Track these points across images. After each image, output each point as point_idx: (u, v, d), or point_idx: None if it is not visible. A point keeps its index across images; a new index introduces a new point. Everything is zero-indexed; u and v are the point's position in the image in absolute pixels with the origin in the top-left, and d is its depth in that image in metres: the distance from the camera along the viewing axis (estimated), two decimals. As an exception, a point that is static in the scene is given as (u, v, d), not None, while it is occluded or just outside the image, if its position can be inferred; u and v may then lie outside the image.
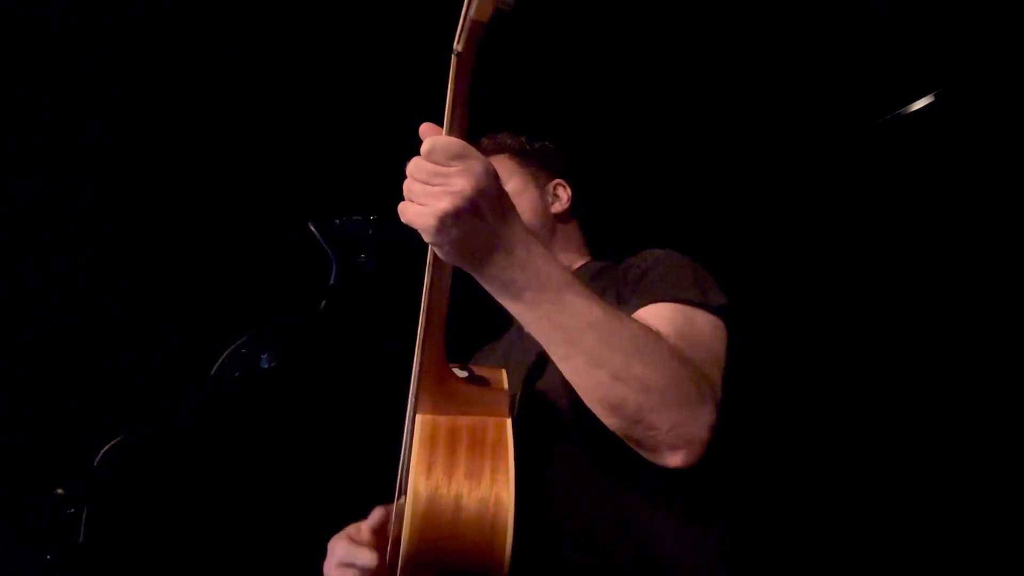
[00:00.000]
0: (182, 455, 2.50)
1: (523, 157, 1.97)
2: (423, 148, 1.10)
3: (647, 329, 1.20)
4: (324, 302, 1.51)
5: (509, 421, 1.29)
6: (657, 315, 1.37)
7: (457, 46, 1.14)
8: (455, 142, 1.12)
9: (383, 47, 2.87)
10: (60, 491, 1.32)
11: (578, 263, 1.89)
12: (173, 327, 2.73)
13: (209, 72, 2.76)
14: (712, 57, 2.53)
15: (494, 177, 1.12)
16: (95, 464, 1.32)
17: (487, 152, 1.99)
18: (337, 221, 1.55)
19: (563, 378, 1.33)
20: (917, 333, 2.66)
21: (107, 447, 1.33)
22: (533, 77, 2.73)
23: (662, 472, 1.22)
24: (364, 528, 1.58)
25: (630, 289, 1.51)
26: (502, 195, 1.14)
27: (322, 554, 1.73)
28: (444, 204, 1.07)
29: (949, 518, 2.49)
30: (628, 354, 1.15)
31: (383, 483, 1.96)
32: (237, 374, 1.44)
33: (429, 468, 1.21)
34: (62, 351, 2.67)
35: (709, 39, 2.49)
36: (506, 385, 1.41)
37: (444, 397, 1.30)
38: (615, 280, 1.61)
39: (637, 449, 1.22)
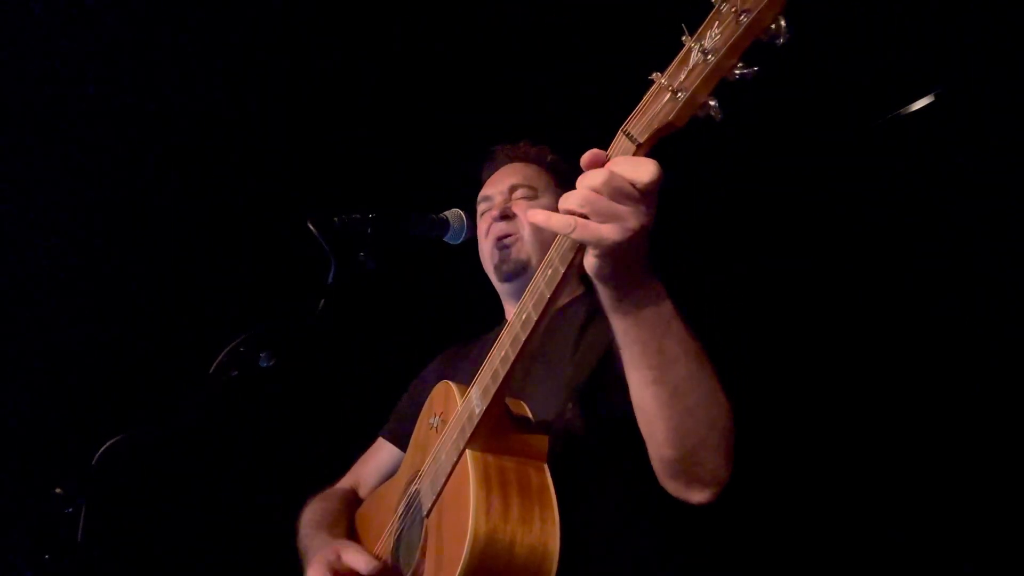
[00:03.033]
0: (180, 454, 2.50)
1: (559, 177, 1.94)
2: (617, 164, 1.07)
3: (716, 378, 1.24)
4: (323, 301, 1.51)
5: (547, 467, 1.37)
6: None
7: (640, 138, 1.09)
8: (647, 163, 1.08)
9: (383, 46, 2.87)
10: (58, 490, 1.32)
11: (576, 292, 1.87)
12: (171, 326, 2.73)
13: (209, 72, 2.77)
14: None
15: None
16: (93, 463, 1.32)
17: (528, 159, 1.99)
18: (336, 220, 1.55)
19: (571, 413, 1.47)
20: (916, 333, 2.65)
21: (105, 446, 1.33)
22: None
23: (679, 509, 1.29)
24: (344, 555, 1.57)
25: None
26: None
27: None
28: (633, 222, 1.07)
29: (949, 521, 2.49)
30: (706, 391, 1.21)
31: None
32: (235, 373, 1.45)
33: (488, 509, 1.26)
34: (61, 351, 2.67)
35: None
36: (535, 418, 1.46)
37: (495, 435, 1.36)
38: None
39: (668, 481, 1.28)
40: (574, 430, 1.50)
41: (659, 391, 1.20)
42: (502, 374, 1.31)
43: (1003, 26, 2.51)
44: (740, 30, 0.97)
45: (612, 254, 1.10)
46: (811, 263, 2.76)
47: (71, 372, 2.65)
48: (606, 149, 1.13)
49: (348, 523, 1.84)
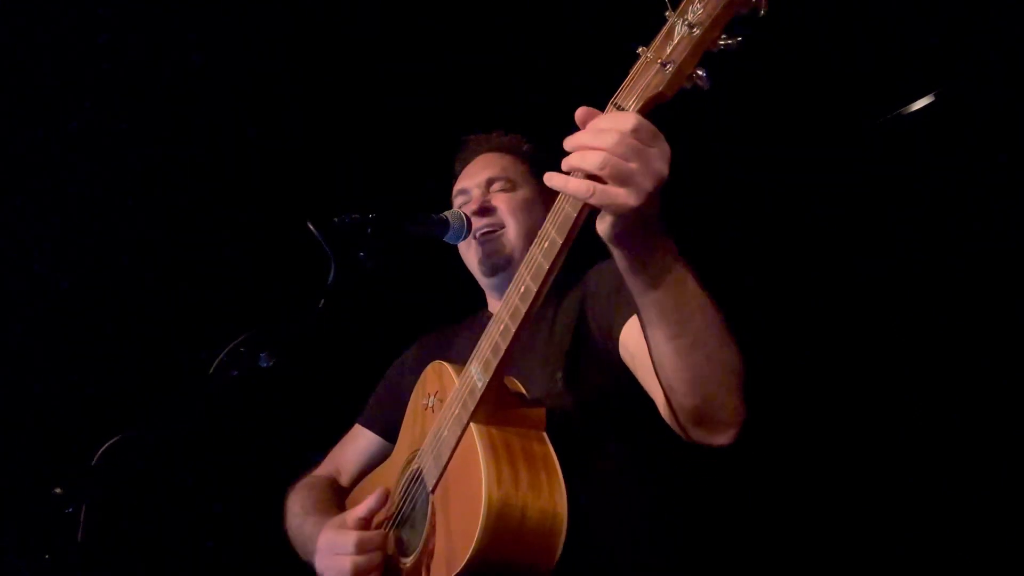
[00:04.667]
0: (180, 454, 2.50)
1: (534, 167, 1.94)
2: (626, 124, 1.06)
3: (726, 325, 1.27)
4: (322, 301, 1.51)
5: (547, 436, 1.42)
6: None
7: (631, 110, 1.09)
8: (652, 126, 1.09)
9: (383, 46, 2.87)
10: (58, 490, 1.32)
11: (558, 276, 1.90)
12: (171, 326, 2.73)
13: (209, 71, 2.77)
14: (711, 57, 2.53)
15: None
16: (93, 463, 1.32)
17: (502, 149, 1.98)
18: (336, 220, 1.55)
19: (561, 385, 1.51)
20: (916, 334, 2.65)
21: (105, 446, 1.33)
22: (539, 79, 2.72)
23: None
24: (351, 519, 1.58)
25: (608, 302, 1.58)
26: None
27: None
28: (650, 184, 1.06)
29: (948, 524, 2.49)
30: (721, 336, 1.23)
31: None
32: (235, 373, 1.45)
33: (499, 477, 1.31)
34: (60, 351, 2.67)
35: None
36: (528, 395, 1.50)
37: (496, 409, 1.40)
38: (584, 293, 1.68)
39: (692, 428, 1.31)
40: (566, 400, 1.55)
41: (679, 345, 1.22)
42: (503, 347, 1.33)
43: (1003, 26, 2.51)
44: (722, 4, 1.01)
45: (630, 217, 1.09)
46: (810, 263, 2.76)
47: (71, 372, 2.65)
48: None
49: (338, 510, 1.83)
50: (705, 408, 1.27)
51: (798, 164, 2.78)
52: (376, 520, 1.58)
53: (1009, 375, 2.50)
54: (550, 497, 1.32)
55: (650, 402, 1.42)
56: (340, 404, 2.28)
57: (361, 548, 1.50)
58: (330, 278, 1.52)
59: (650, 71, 1.08)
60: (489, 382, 1.36)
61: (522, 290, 1.30)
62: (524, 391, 1.50)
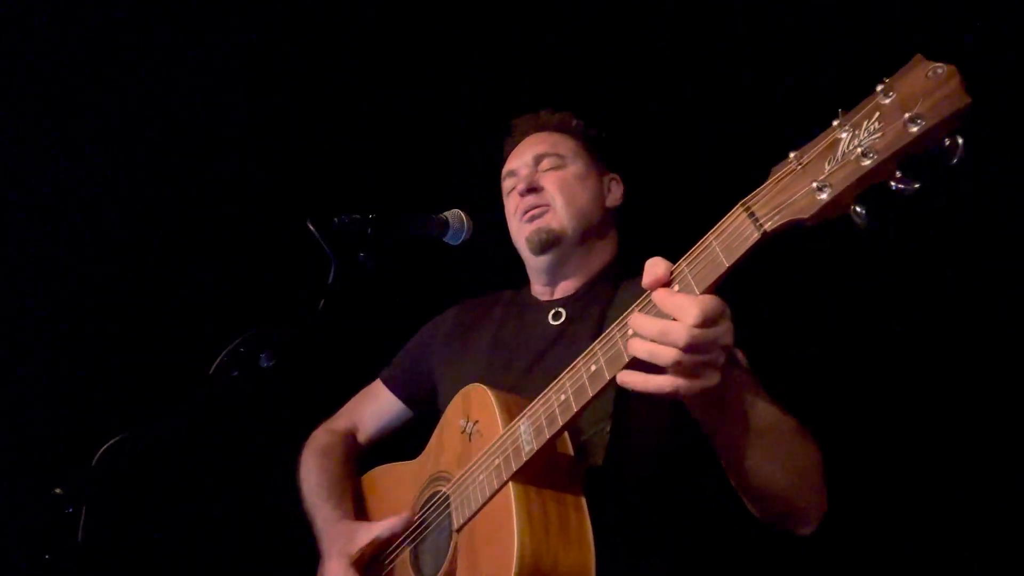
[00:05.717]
0: (180, 454, 2.49)
1: (587, 142, 1.88)
2: (693, 317, 1.01)
3: (801, 427, 1.24)
4: (323, 301, 1.51)
5: (584, 504, 1.36)
6: None
7: (766, 224, 0.98)
8: (718, 302, 1.04)
9: (383, 46, 2.87)
10: (58, 491, 1.32)
11: (608, 262, 1.83)
12: (172, 327, 2.72)
13: (209, 71, 2.76)
14: (710, 56, 2.53)
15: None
16: (93, 463, 1.32)
17: (550, 127, 1.90)
18: (336, 220, 1.55)
19: (607, 435, 1.44)
20: (915, 335, 2.65)
21: (105, 447, 1.33)
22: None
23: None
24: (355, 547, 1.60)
25: None
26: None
27: (319, 553, 1.73)
28: (722, 359, 1.05)
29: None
30: (793, 446, 1.21)
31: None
32: (236, 373, 1.45)
33: (533, 551, 1.28)
34: (60, 350, 2.66)
35: (705, 39, 2.50)
36: (571, 451, 1.43)
37: (538, 469, 1.36)
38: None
39: (771, 524, 1.32)
40: (612, 458, 1.43)
41: (755, 475, 1.21)
42: (560, 422, 1.27)
43: (1003, 26, 2.51)
44: (907, 140, 0.84)
45: (703, 396, 1.08)
46: (809, 263, 2.75)
47: (71, 372, 2.64)
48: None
49: (353, 487, 1.84)
50: (786, 516, 1.28)
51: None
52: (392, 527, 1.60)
53: (1009, 375, 2.50)
54: (579, 553, 1.31)
55: (702, 452, 1.33)
56: (340, 404, 2.28)
57: None
58: (330, 278, 1.52)
59: (798, 187, 0.94)
60: (539, 451, 1.31)
61: (586, 376, 1.22)
62: (571, 449, 1.42)
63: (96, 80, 2.66)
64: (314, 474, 1.88)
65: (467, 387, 1.58)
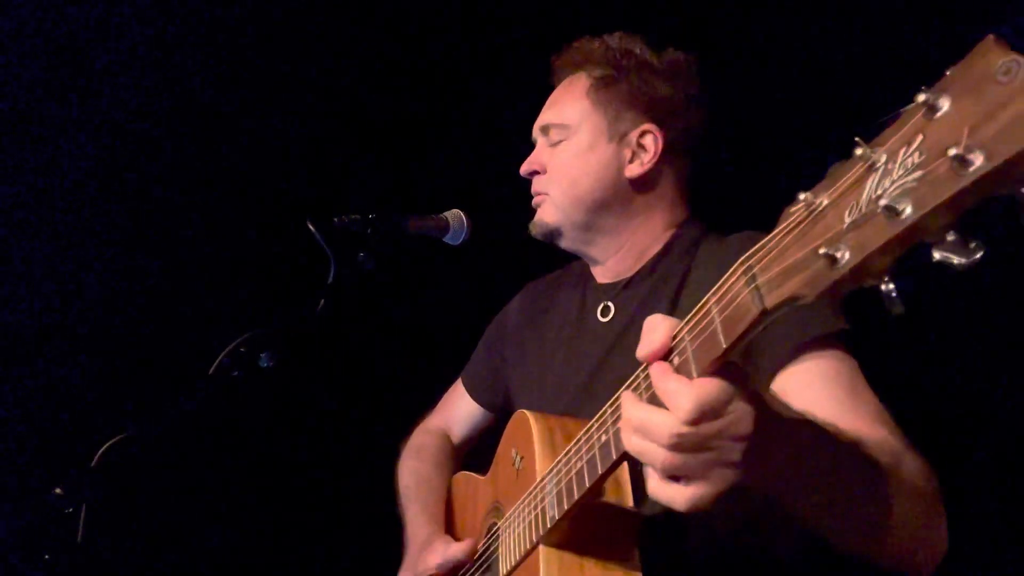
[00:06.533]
0: (181, 454, 2.49)
1: (604, 90, 1.55)
2: (684, 412, 0.80)
3: (881, 470, 1.00)
4: (322, 301, 1.51)
5: (637, 557, 1.16)
6: (817, 373, 1.24)
7: (767, 300, 0.73)
8: (721, 389, 0.81)
9: (383, 45, 2.87)
10: (58, 490, 1.31)
11: (666, 234, 1.55)
12: (172, 327, 2.72)
13: (209, 71, 2.76)
14: (709, 58, 2.52)
15: (759, 403, 0.85)
16: (93, 463, 1.32)
17: (567, 67, 1.62)
18: (336, 220, 1.55)
19: None
20: (914, 335, 2.65)
21: (105, 447, 1.33)
22: None
23: None
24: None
25: None
26: (766, 417, 0.86)
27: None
28: (732, 473, 0.83)
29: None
30: (875, 502, 1.00)
31: (382, 482, 1.96)
32: (236, 373, 1.44)
33: None
34: (60, 350, 2.66)
35: (707, 39, 2.49)
36: (630, 498, 1.20)
37: (576, 527, 1.18)
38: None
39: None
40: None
41: (829, 534, 1.01)
42: (576, 496, 1.10)
43: (1003, 26, 2.51)
44: (963, 184, 0.52)
45: (719, 502, 0.85)
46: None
47: (71, 372, 2.64)
48: None
49: (441, 487, 1.78)
50: (890, 566, 1.07)
51: (798, 164, 2.78)
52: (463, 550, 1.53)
53: (1009, 375, 2.50)
54: None
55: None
56: (340, 404, 2.29)
57: None
58: (330, 278, 1.52)
59: (804, 247, 0.67)
60: (562, 517, 1.15)
61: (597, 447, 1.05)
62: (628, 500, 1.18)
63: (96, 79, 2.66)
64: (404, 475, 1.85)
65: (516, 413, 1.45)
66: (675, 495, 0.84)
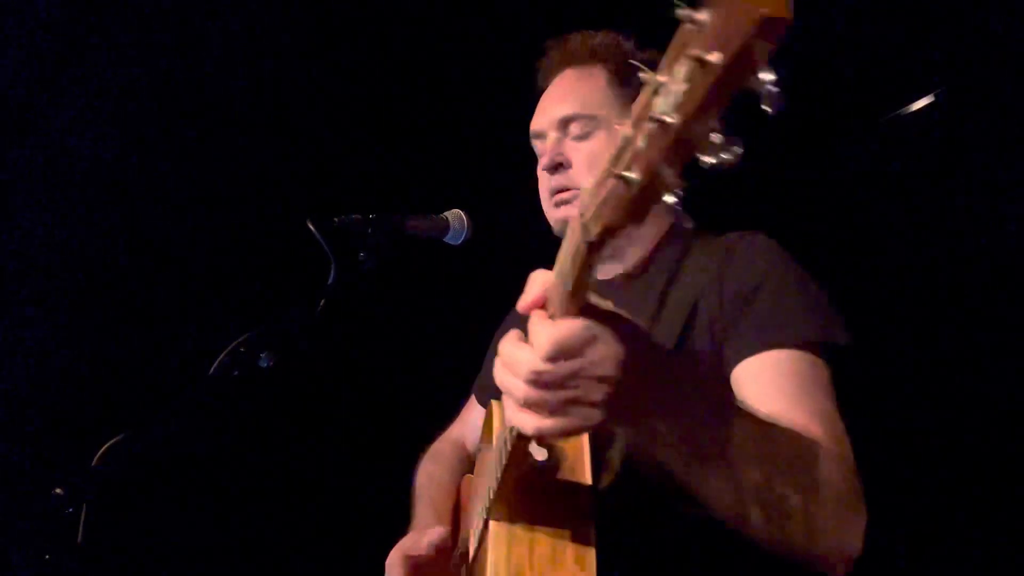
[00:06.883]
0: (181, 454, 2.50)
1: (623, 84, 1.53)
2: (544, 352, 0.83)
3: (808, 450, 1.03)
4: (323, 301, 1.51)
5: (592, 528, 1.12)
6: (773, 366, 1.23)
7: (593, 232, 0.75)
8: (577, 328, 0.85)
9: (383, 45, 2.87)
10: (58, 490, 1.31)
11: (661, 231, 1.54)
12: (172, 327, 2.73)
13: (209, 71, 2.76)
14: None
15: (634, 339, 0.87)
16: (93, 463, 1.32)
17: (588, 60, 1.57)
18: (336, 220, 1.55)
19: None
20: (915, 336, 2.65)
21: (105, 446, 1.33)
22: None
23: None
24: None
25: (733, 316, 1.30)
26: (647, 351, 0.91)
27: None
28: (594, 413, 0.86)
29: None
30: (799, 494, 1.00)
31: (382, 482, 1.96)
32: (236, 373, 1.44)
33: None
34: (61, 350, 2.67)
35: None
36: (588, 474, 1.16)
37: (524, 497, 1.14)
38: (721, 273, 1.36)
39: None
40: (629, 474, 1.19)
41: (740, 524, 1.00)
42: (505, 456, 1.08)
43: (1003, 26, 2.51)
44: (709, 83, 0.59)
45: (594, 431, 0.90)
46: (809, 264, 2.75)
47: (71, 371, 2.65)
48: None
49: (454, 489, 1.80)
50: (793, 559, 1.05)
51: (797, 164, 2.78)
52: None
53: (1009, 375, 2.50)
54: None
55: None
56: (340, 404, 2.29)
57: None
58: (330, 278, 1.52)
59: (606, 184, 0.71)
60: (499, 487, 1.12)
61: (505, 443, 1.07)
62: (578, 477, 1.15)
63: (96, 78, 2.66)
64: (419, 477, 1.88)
65: (493, 401, 1.44)
66: (524, 421, 0.88)
